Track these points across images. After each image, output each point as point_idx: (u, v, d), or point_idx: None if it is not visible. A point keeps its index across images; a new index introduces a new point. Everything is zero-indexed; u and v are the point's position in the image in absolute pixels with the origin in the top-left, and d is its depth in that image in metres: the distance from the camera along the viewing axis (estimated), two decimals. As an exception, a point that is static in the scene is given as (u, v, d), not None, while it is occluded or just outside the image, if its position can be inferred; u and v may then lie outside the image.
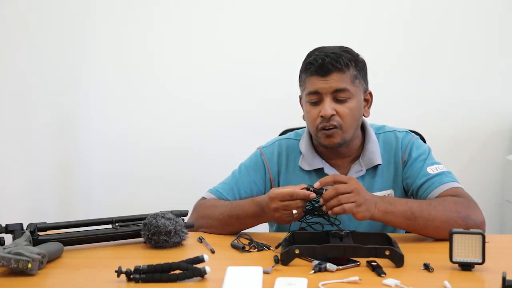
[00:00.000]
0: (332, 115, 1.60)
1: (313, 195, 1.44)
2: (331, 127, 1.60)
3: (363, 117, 1.70)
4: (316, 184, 1.44)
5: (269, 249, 1.45)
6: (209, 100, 2.83)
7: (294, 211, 1.44)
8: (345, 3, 2.81)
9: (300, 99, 1.73)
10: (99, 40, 2.80)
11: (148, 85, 2.84)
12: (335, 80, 1.59)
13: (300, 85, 1.70)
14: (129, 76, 2.83)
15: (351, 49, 1.67)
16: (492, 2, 2.78)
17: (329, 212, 1.42)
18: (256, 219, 1.57)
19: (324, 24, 2.79)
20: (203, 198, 1.74)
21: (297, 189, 1.45)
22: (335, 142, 1.62)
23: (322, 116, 1.60)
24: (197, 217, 1.68)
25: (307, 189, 1.44)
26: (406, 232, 1.75)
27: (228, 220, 1.61)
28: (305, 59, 1.67)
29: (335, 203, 1.41)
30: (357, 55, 1.66)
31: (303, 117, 1.72)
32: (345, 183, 1.44)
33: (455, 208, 1.50)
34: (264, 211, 1.53)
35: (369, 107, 1.72)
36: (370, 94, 1.71)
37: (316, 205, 1.48)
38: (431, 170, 1.63)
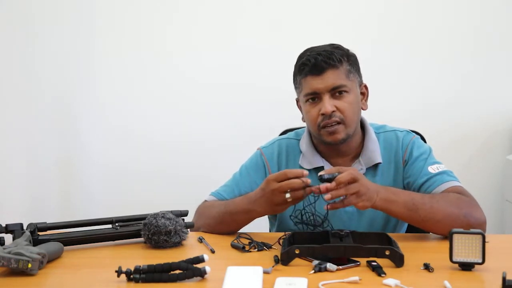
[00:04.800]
0: (333, 111, 1.60)
1: (306, 172, 1.44)
2: (333, 123, 1.61)
3: (362, 111, 1.71)
4: (321, 173, 1.43)
5: (269, 248, 1.44)
6: (210, 100, 2.84)
7: (287, 195, 1.43)
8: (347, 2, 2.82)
9: (297, 101, 1.74)
10: (100, 34, 2.80)
11: (150, 83, 2.85)
12: (331, 78, 1.60)
13: (296, 88, 1.71)
14: (131, 72, 2.84)
15: (340, 45, 1.68)
16: (493, 1, 2.78)
17: (329, 207, 1.42)
18: (247, 214, 1.56)
19: (324, 24, 2.79)
20: (205, 201, 1.75)
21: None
22: (339, 138, 1.63)
23: (323, 114, 1.61)
24: (197, 218, 1.69)
25: (321, 177, 1.41)
26: (407, 231, 1.76)
27: (223, 218, 1.61)
28: (297, 61, 1.68)
29: (343, 193, 1.40)
30: (348, 50, 1.68)
31: (302, 118, 1.73)
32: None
33: (457, 204, 1.51)
34: (255, 202, 1.52)
35: (366, 100, 1.73)
36: (366, 87, 1.73)
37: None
38: (432, 169, 1.63)
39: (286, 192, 1.44)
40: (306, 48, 1.68)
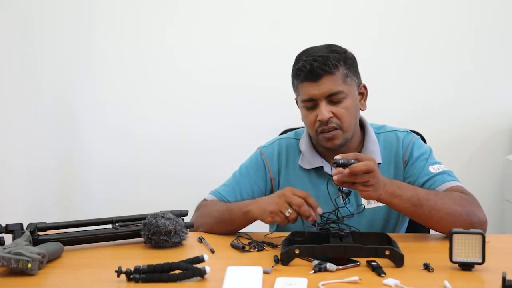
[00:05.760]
0: (330, 117, 1.60)
1: (320, 210, 1.43)
2: (330, 129, 1.60)
3: (361, 111, 1.71)
4: (337, 157, 1.39)
5: (274, 247, 1.44)
6: (210, 100, 2.83)
7: (289, 210, 1.43)
8: (347, 1, 2.82)
9: (297, 101, 1.74)
10: (100, 34, 2.79)
11: (150, 83, 2.84)
12: (327, 84, 1.59)
13: (294, 90, 1.70)
14: (131, 72, 2.83)
15: (338, 47, 1.65)
16: (493, 1, 2.78)
17: (335, 178, 1.40)
18: (245, 214, 1.55)
19: (324, 24, 2.79)
20: (205, 200, 1.75)
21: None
22: (337, 144, 1.62)
23: (319, 120, 1.60)
24: (197, 217, 1.69)
25: (337, 161, 1.38)
26: (407, 231, 1.76)
27: (222, 216, 1.61)
28: (294, 64, 1.67)
29: (351, 180, 1.39)
30: (345, 51, 1.65)
31: (302, 118, 1.72)
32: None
33: (461, 202, 1.51)
34: (255, 203, 1.53)
35: (365, 100, 1.72)
36: (364, 87, 1.72)
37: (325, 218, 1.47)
38: (433, 169, 1.64)
39: (290, 207, 1.44)
40: (303, 50, 1.67)
